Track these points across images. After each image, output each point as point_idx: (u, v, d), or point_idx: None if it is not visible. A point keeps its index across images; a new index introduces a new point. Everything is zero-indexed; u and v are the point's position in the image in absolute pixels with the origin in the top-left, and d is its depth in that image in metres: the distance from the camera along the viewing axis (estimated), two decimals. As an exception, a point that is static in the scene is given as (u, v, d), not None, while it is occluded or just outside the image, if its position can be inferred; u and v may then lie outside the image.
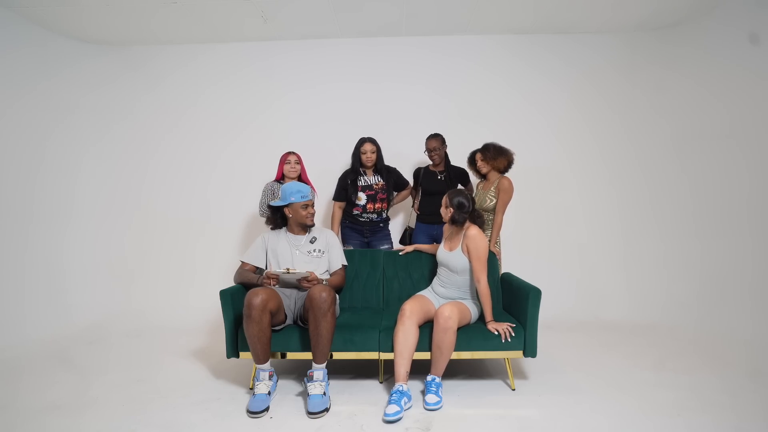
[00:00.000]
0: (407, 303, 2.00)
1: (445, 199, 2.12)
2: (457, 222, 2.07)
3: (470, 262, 2.04)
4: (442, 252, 2.16)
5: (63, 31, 3.33)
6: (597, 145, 3.56)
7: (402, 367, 1.85)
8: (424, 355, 1.96)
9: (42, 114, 3.27)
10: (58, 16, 3.11)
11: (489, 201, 2.63)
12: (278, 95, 3.63)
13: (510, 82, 3.58)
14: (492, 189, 2.64)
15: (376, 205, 2.73)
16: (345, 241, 2.80)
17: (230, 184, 3.65)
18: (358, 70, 3.60)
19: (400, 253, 2.52)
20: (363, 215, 2.74)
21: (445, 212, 2.12)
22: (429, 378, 1.89)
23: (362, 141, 2.73)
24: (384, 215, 2.81)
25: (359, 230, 2.78)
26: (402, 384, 1.81)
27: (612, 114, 3.55)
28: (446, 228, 2.24)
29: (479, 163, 2.69)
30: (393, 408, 1.70)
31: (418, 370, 2.02)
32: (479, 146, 2.72)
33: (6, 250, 3.00)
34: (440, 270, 2.19)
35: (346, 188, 2.72)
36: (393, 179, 2.83)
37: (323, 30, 3.43)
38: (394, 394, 1.77)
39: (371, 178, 2.75)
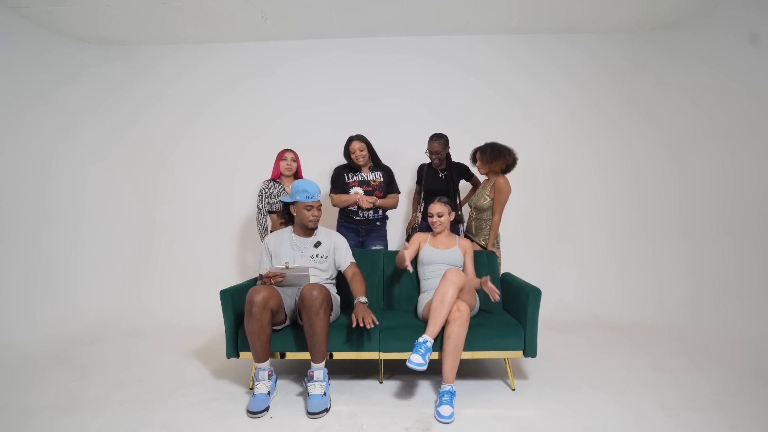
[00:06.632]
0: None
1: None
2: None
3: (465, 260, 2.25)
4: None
5: (63, 31, 3.33)
6: (595, 146, 3.56)
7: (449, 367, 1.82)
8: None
9: (46, 116, 3.27)
10: (58, 16, 3.11)
11: (484, 200, 2.58)
12: (278, 95, 3.64)
13: (508, 81, 3.58)
14: (488, 188, 2.59)
15: None
16: None
17: (230, 184, 3.65)
18: (358, 70, 3.61)
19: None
20: (359, 213, 2.65)
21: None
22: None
23: (350, 140, 2.66)
24: (380, 212, 2.71)
25: (354, 229, 2.70)
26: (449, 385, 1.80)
27: (611, 114, 3.55)
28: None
29: (478, 163, 2.64)
30: (447, 410, 1.69)
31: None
32: (478, 145, 2.65)
33: (9, 251, 3.00)
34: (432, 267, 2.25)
35: (341, 179, 2.66)
36: (387, 179, 2.72)
37: (323, 30, 3.43)
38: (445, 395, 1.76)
39: (368, 174, 2.68)
